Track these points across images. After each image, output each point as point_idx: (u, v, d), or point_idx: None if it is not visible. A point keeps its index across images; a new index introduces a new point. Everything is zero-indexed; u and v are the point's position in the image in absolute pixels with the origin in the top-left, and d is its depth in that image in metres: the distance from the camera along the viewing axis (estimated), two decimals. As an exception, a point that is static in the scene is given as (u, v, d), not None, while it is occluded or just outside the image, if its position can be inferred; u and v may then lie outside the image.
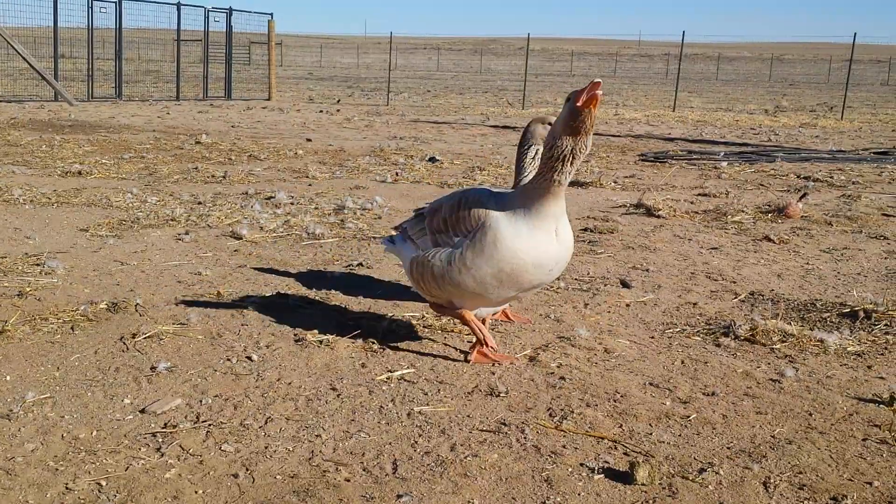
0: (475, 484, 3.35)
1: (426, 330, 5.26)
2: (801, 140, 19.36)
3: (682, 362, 4.85)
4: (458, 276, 4.24)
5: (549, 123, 4.90)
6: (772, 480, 3.44)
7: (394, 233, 5.15)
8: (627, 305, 6.05)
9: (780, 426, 3.98)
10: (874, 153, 16.54)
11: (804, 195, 10.33)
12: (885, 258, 7.77)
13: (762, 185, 12.32)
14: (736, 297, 6.29)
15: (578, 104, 3.73)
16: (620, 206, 10.27)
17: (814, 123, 24.28)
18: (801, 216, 9.56)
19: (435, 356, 4.80)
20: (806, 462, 3.61)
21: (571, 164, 3.91)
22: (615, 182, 12.30)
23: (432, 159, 14.05)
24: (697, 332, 5.43)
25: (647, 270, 7.08)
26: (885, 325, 5.58)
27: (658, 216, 9.59)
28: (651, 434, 3.87)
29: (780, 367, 4.76)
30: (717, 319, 5.69)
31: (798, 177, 13.09)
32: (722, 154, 16.03)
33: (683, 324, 5.61)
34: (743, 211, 9.82)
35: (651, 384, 4.51)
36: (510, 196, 4.23)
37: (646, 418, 4.04)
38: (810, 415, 4.13)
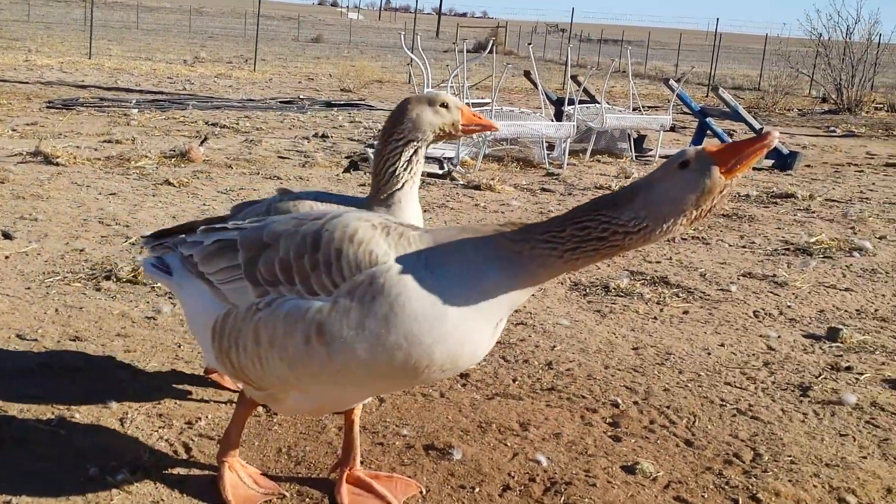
0: None
1: None
2: (215, 89, 19.82)
3: (57, 311, 4.60)
4: (313, 358, 2.48)
5: (444, 105, 3.27)
6: (129, 415, 3.43)
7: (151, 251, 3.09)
8: (7, 258, 5.57)
9: (148, 361, 3.99)
10: (280, 102, 17.66)
11: (205, 139, 10.59)
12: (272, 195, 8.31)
13: (171, 131, 12.33)
14: (127, 241, 6.18)
15: (723, 170, 2.31)
16: (16, 155, 9.43)
17: (229, 74, 25.04)
18: (204, 160, 9.78)
19: None
20: (159, 397, 3.68)
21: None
22: (14, 130, 11.28)
23: None
24: (80, 278, 5.20)
25: (36, 220, 6.60)
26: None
27: (57, 164, 9.01)
28: None
29: (159, 304, 4.78)
30: (102, 264, 5.52)
31: (207, 123, 13.36)
32: (134, 101, 15.71)
33: (66, 271, 5.33)
34: (147, 156, 9.70)
35: (18, 336, 4.21)
36: (429, 235, 2.54)
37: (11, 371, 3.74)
38: (179, 346, 4.21)
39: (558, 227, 2.39)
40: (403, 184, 3.25)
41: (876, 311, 5.65)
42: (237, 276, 2.66)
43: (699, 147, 2.39)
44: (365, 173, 9.82)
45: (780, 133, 16.39)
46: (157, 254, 3.03)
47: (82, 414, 3.41)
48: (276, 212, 3.27)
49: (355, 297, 2.42)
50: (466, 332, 2.44)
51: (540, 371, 4.28)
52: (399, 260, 2.45)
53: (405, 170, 3.25)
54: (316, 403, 2.74)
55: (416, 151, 3.26)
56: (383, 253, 2.46)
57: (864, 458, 3.54)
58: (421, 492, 3.02)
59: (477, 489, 3.09)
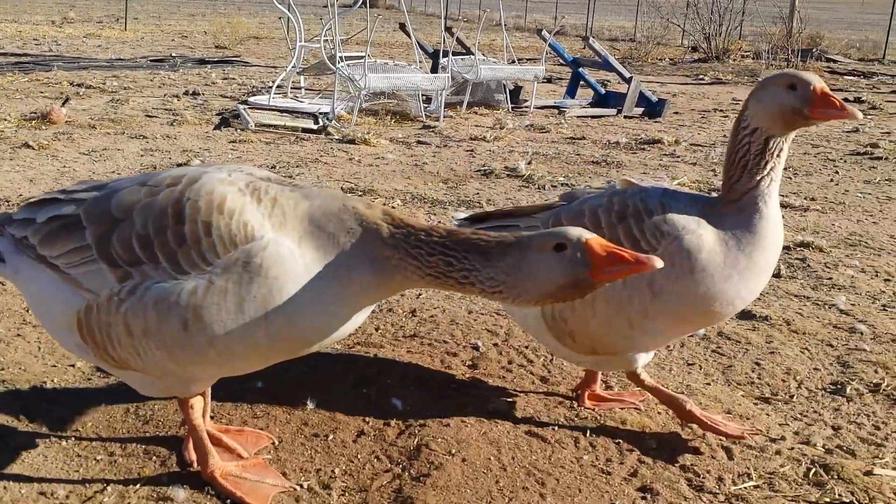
0: None
1: None
2: (83, 50, 18.95)
3: None
4: (193, 344, 2.36)
5: (793, 86, 2.84)
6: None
7: None
8: None
9: (-7, 328, 3.86)
10: (151, 61, 17.04)
11: (66, 100, 10.15)
12: (143, 156, 8.06)
13: (33, 93, 11.76)
14: (-23, 208, 5.91)
15: (593, 272, 2.29)
16: None
17: (99, 34, 23.99)
18: (66, 121, 9.37)
19: None
20: (2, 363, 3.56)
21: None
22: None
23: None
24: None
25: None
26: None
27: None
28: None
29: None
30: (-51, 232, 5.26)
31: (72, 84, 12.77)
32: (-8, 63, 14.91)
33: None
34: (6, 119, 9.25)
35: None
36: (305, 205, 2.41)
37: None
38: (27, 311, 4.07)
39: (429, 250, 2.33)
40: (759, 182, 2.84)
41: (730, 247, 5.90)
42: (89, 257, 2.39)
43: (582, 236, 2.29)
44: (235, 130, 9.61)
45: (651, 82, 16.71)
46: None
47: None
48: (619, 204, 2.96)
49: (231, 278, 2.29)
50: (339, 317, 2.41)
51: (403, 319, 4.32)
52: (275, 236, 2.31)
53: (757, 164, 2.85)
54: (196, 380, 2.58)
55: (767, 142, 2.84)
56: (259, 226, 2.31)
57: (708, 384, 3.72)
58: (273, 443, 3.02)
59: (331, 436, 3.10)
